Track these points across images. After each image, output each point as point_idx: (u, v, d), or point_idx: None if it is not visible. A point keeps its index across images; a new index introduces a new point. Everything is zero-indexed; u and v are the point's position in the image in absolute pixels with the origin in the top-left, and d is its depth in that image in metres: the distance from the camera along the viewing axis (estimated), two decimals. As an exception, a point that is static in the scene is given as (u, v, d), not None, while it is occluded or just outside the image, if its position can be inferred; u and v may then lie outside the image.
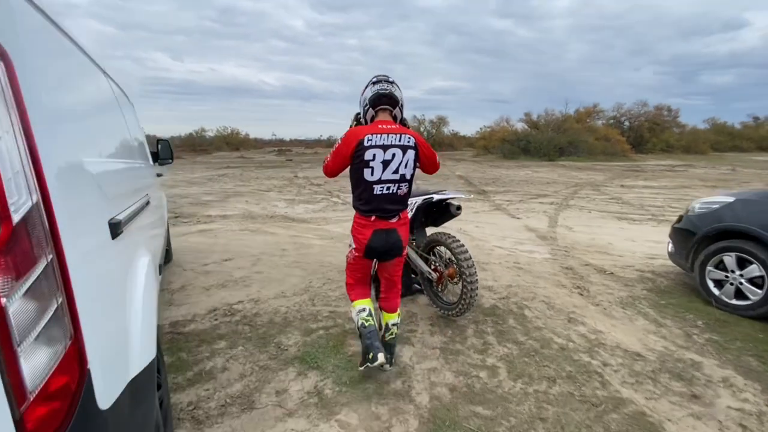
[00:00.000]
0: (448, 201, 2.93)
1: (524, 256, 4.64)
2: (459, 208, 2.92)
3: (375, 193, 1.98)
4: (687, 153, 35.13)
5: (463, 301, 2.65)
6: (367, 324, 2.16)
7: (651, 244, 5.29)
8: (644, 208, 8.34)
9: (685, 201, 9.31)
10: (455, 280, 2.78)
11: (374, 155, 1.93)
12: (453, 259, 2.77)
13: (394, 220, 2.06)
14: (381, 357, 2.02)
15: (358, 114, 2.18)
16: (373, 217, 2.02)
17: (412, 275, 3.29)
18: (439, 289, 2.97)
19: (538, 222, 6.73)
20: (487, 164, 22.01)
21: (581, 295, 3.43)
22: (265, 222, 6.57)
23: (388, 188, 1.99)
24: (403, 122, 2.20)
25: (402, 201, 2.08)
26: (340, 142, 2.01)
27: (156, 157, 3.91)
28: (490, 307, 3.10)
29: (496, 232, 5.97)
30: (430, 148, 2.14)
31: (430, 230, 3.30)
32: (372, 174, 1.96)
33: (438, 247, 3.00)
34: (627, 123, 37.68)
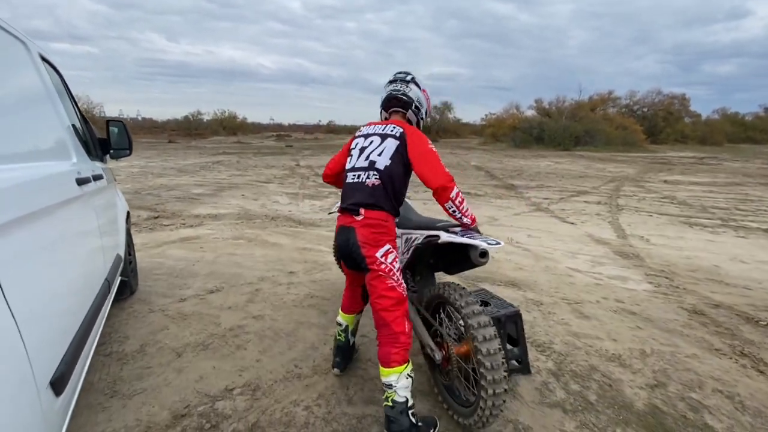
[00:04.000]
0: (467, 245, 1.66)
1: (620, 288, 3.41)
2: (485, 254, 1.64)
3: (347, 181, 1.79)
4: (702, 144, 33.70)
5: (480, 407, 1.51)
6: (337, 337, 2.07)
7: (769, 267, 4.06)
8: (708, 211, 7.10)
9: (750, 202, 8.08)
10: (471, 363, 1.62)
11: (356, 143, 1.82)
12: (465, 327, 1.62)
13: (357, 217, 1.66)
14: (336, 371, 2.04)
15: None
16: (340, 212, 1.79)
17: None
18: (446, 377, 1.79)
19: (600, 229, 5.48)
20: (501, 153, 20.65)
21: (762, 373, 2.21)
22: (265, 226, 5.30)
23: (358, 176, 1.73)
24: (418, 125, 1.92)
25: (371, 194, 1.68)
26: None
27: (106, 147, 2.66)
28: (645, 409, 1.87)
29: (558, 244, 4.72)
30: (427, 147, 1.68)
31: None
32: (349, 162, 1.81)
33: (446, 306, 1.84)
34: (641, 112, 36.14)
